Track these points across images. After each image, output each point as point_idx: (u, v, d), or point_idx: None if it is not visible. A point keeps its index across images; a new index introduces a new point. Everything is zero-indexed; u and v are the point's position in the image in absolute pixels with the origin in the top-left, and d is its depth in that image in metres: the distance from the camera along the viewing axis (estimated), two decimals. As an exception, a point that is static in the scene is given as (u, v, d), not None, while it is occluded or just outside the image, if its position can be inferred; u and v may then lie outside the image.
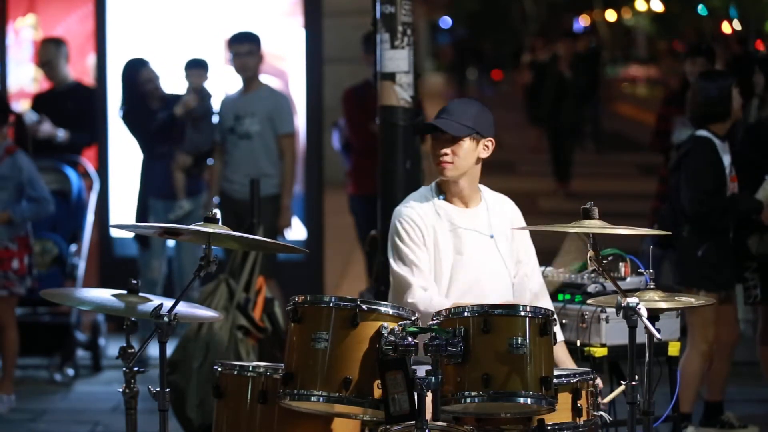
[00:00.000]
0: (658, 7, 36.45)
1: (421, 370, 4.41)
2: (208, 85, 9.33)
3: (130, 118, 9.34)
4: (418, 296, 4.96)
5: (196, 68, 9.29)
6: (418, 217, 5.07)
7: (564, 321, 5.78)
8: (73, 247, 9.13)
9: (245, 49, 9.13)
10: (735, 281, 7.20)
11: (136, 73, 9.30)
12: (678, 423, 6.23)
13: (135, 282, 4.69)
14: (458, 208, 5.12)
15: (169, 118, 9.15)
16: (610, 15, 43.40)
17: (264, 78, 9.44)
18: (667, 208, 7.14)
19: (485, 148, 5.10)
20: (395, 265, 5.07)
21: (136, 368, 4.52)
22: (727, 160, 7.00)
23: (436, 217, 5.09)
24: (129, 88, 9.33)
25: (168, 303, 4.54)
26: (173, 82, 9.50)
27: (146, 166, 9.39)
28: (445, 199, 5.13)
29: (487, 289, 5.06)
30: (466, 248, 5.08)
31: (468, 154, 5.05)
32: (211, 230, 4.56)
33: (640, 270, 5.66)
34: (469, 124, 5.04)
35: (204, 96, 9.25)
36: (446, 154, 5.03)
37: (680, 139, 9.13)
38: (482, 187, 5.23)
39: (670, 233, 5.46)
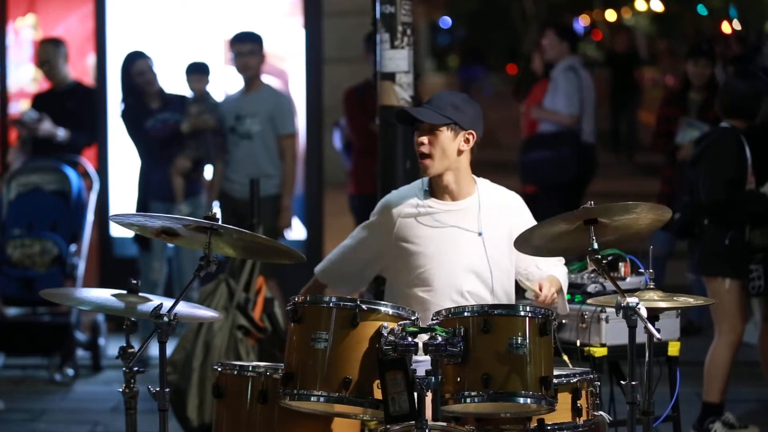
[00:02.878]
0: (658, 7, 36.45)
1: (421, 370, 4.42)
2: (210, 88, 9.29)
3: (128, 117, 9.31)
4: None
5: (196, 73, 9.23)
6: (392, 208, 5.11)
7: (564, 321, 5.78)
8: (73, 247, 9.13)
9: (247, 48, 9.12)
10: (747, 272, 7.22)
11: (131, 64, 9.26)
12: (678, 423, 6.23)
13: (135, 282, 4.69)
14: (443, 203, 5.09)
15: (175, 132, 9.11)
16: (610, 15, 43.39)
17: (265, 78, 9.43)
18: (687, 200, 7.19)
19: (466, 140, 5.03)
20: None
21: (136, 368, 4.52)
22: (748, 153, 7.04)
23: (414, 210, 5.07)
24: (124, 81, 9.31)
25: (168, 303, 4.54)
26: (174, 83, 9.48)
27: (145, 169, 9.36)
28: (432, 194, 5.11)
29: (464, 288, 5.04)
30: (443, 244, 5.04)
31: (447, 146, 5.00)
32: (214, 225, 4.56)
33: (640, 270, 5.67)
34: (447, 114, 5.00)
35: (210, 106, 9.16)
36: (423, 144, 5.00)
37: (684, 139, 9.15)
38: (482, 181, 5.17)
39: (672, 212, 5.46)
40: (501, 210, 5.13)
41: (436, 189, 5.11)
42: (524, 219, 5.14)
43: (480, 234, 5.06)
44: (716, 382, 7.08)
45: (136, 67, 9.22)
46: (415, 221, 5.07)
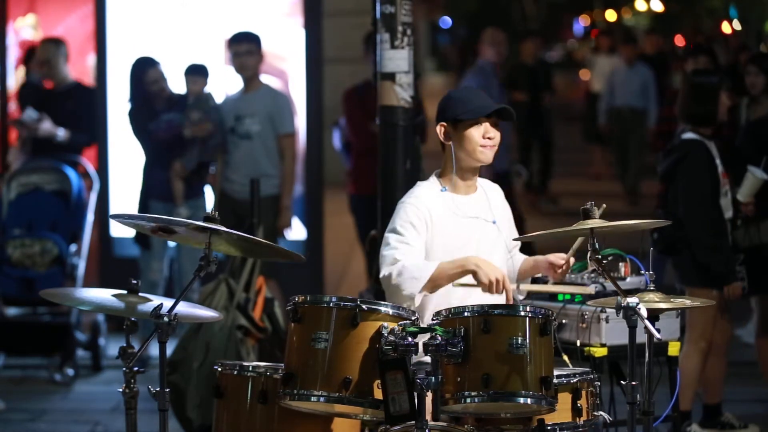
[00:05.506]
0: (658, 7, 36.44)
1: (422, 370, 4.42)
2: (210, 90, 9.27)
3: (134, 117, 9.31)
4: (389, 267, 4.96)
5: (195, 74, 9.21)
6: (425, 207, 5.08)
7: (564, 321, 5.78)
8: (73, 247, 9.13)
9: (244, 48, 9.11)
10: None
11: (144, 72, 9.25)
12: (678, 423, 6.23)
13: (135, 282, 4.69)
14: (462, 197, 5.16)
15: (176, 136, 9.09)
16: (610, 15, 43.40)
17: (264, 78, 9.43)
18: (664, 214, 7.13)
19: None
20: (388, 237, 5.06)
21: (136, 368, 4.52)
22: (718, 160, 7.02)
23: (445, 208, 5.10)
24: (135, 87, 9.29)
25: (168, 303, 4.54)
26: (174, 83, 9.47)
27: (148, 168, 9.35)
28: (448, 190, 5.15)
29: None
30: (474, 236, 5.11)
31: None
32: (212, 227, 4.55)
33: (641, 270, 5.66)
34: None
35: (211, 109, 9.14)
36: (495, 137, 5.11)
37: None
38: None
39: (670, 221, 5.44)
40: (499, 199, 5.30)
41: (453, 185, 5.14)
42: (505, 202, 5.34)
43: (494, 222, 5.18)
44: (687, 389, 7.01)
45: (149, 76, 9.20)
46: (447, 216, 5.10)
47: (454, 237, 5.07)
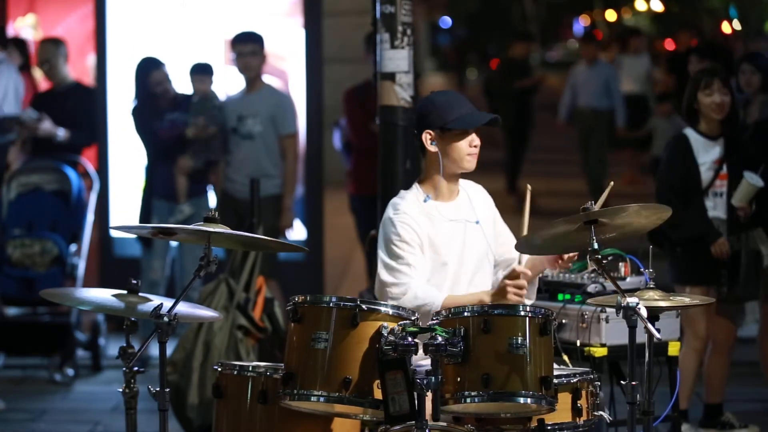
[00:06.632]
0: (658, 7, 36.45)
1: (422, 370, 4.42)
2: (214, 89, 9.27)
3: (138, 115, 9.31)
4: (396, 291, 4.97)
5: (200, 74, 9.22)
6: (413, 221, 5.07)
7: (564, 321, 5.78)
8: (73, 247, 9.13)
9: (248, 48, 9.11)
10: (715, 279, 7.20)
11: (148, 73, 9.25)
12: (678, 422, 6.24)
13: (135, 282, 4.69)
14: (446, 203, 5.15)
15: (179, 136, 9.08)
16: (610, 15, 43.40)
17: (266, 78, 9.43)
18: None
19: None
20: (385, 260, 5.04)
21: (136, 368, 4.52)
22: (707, 157, 7.02)
23: (430, 220, 5.09)
24: (140, 87, 9.30)
25: (168, 303, 4.54)
26: (179, 83, 9.47)
27: (151, 167, 9.35)
28: (431, 198, 5.14)
29: (478, 275, 5.13)
30: (459, 239, 5.11)
31: None
32: (210, 230, 4.56)
33: (640, 270, 5.67)
34: None
35: (213, 106, 9.15)
36: (479, 145, 5.12)
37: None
38: None
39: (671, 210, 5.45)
40: (482, 199, 5.30)
41: (436, 192, 5.13)
42: (490, 199, 5.35)
43: (477, 222, 5.18)
44: (684, 388, 7.01)
45: (154, 77, 9.20)
46: (434, 227, 5.09)
47: (441, 243, 5.09)
